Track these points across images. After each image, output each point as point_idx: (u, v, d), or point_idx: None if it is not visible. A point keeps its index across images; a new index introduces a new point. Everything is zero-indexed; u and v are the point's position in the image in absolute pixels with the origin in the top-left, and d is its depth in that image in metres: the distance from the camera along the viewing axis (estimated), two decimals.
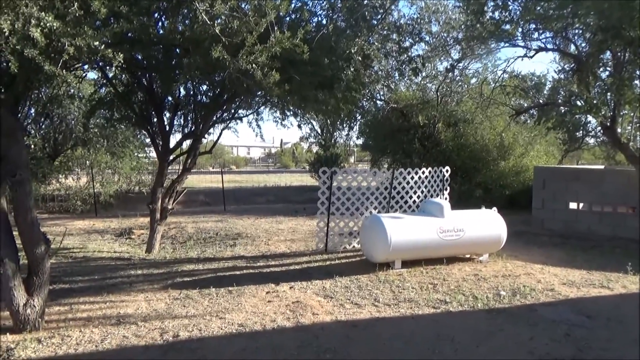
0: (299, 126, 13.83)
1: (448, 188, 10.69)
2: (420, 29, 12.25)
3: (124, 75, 9.73)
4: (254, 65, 6.25)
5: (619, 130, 11.35)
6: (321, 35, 7.63)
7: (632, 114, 11.92)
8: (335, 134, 22.69)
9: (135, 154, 17.32)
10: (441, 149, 16.45)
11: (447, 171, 10.60)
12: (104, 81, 9.90)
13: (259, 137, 11.70)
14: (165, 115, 9.97)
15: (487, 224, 8.41)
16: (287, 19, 8.53)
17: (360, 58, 7.40)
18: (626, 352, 4.62)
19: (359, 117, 17.97)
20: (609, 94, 11.09)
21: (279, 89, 6.64)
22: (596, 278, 7.36)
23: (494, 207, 8.96)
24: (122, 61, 5.25)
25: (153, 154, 16.18)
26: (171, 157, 10.22)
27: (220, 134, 11.65)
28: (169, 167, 10.71)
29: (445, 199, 10.45)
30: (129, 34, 7.14)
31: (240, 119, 11.33)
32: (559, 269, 7.92)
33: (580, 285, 6.96)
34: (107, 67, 8.49)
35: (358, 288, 6.71)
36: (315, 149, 26.77)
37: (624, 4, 8.87)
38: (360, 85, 10.19)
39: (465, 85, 16.96)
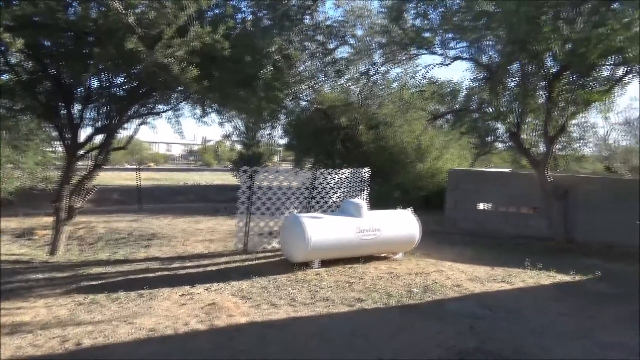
0: (221, 124, 13.51)
1: (368, 188, 10.96)
2: (345, 32, 12.46)
3: (30, 63, 8.96)
4: (171, 59, 6.01)
5: (523, 136, 12.29)
6: (244, 32, 7.53)
7: (535, 122, 12.91)
8: (258, 132, 22.47)
9: (41, 148, 16.02)
10: (362, 150, 16.85)
11: (367, 172, 10.87)
12: (5, 68, 9.05)
13: (178, 135, 11.28)
14: (74, 107, 9.33)
15: (403, 223, 8.72)
16: (210, 13, 8.33)
17: (279, 57, 7.37)
18: (524, 342, 4.97)
19: (283, 117, 17.94)
20: (515, 102, 11.98)
21: (198, 85, 6.46)
22: (499, 274, 7.89)
23: (410, 208, 9.32)
24: (24, 46, 4.83)
25: (60, 149, 15.07)
26: (81, 153, 9.57)
27: (137, 130, 11.09)
28: (79, 163, 10.01)
29: (365, 199, 10.70)
30: (35, 18, 6.61)
31: (159, 114, 10.85)
32: (467, 266, 8.41)
33: (485, 281, 7.42)
34: (8, 52, 7.79)
35: (276, 288, 6.68)
36: (238, 147, 26.31)
37: (531, 20, 9.61)
38: (284, 85, 10.17)
39: (387, 89, 17.49)
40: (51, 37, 7.27)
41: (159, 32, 6.09)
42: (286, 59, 7.96)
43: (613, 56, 10.48)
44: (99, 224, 11.98)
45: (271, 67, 7.23)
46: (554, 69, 11.38)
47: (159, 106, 10.89)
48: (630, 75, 10.94)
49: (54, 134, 13.83)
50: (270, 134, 17.15)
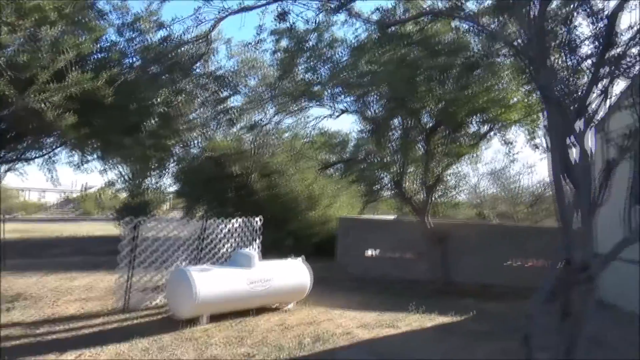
0: (103, 171, 12.58)
1: (260, 238, 10.86)
2: (237, 82, 12.59)
3: None
4: (46, 104, 5.59)
5: (405, 185, 13.19)
6: (130, 79, 7.27)
7: (415, 172, 13.95)
8: (145, 180, 21.42)
9: None
10: (255, 198, 16.79)
11: (259, 221, 10.79)
12: None
13: (52, 183, 10.36)
14: None
15: (294, 273, 8.73)
16: (95, 56, 7.96)
17: (165, 107, 7.22)
18: None
19: (173, 164, 17.36)
20: (398, 154, 12.88)
21: (76, 132, 6.05)
22: (387, 319, 8.14)
23: (301, 256, 9.37)
24: None
25: None
26: None
27: (3, 176, 10.01)
28: None
29: (257, 248, 10.57)
30: None
31: (29, 160, 9.93)
32: (357, 312, 8.58)
33: (374, 327, 7.61)
34: None
35: (159, 349, 6.22)
36: (123, 195, 24.74)
37: (408, 81, 10.55)
38: (173, 133, 9.92)
39: (279, 139, 17.84)
40: None
41: (32, 75, 5.66)
42: (175, 108, 7.80)
43: (478, 115, 11.85)
44: None
45: (157, 117, 7.03)
46: (430, 124, 12.54)
47: (30, 151, 10.00)
48: (492, 133, 12.40)
49: None
50: (157, 182, 16.36)
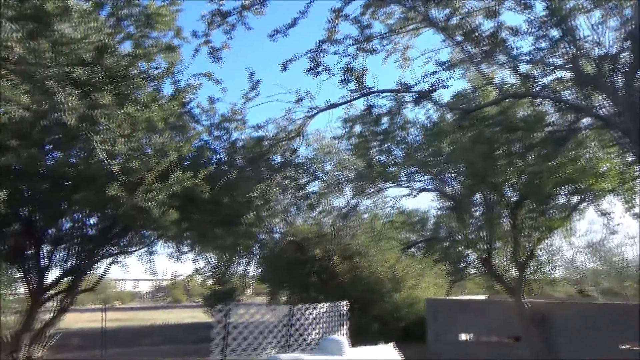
0: (195, 260, 13.32)
1: (347, 323, 10.66)
2: (314, 168, 13.13)
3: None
4: (151, 202, 6.17)
5: (494, 261, 12.52)
6: (222, 173, 7.87)
7: (504, 248, 13.27)
8: (231, 267, 22.15)
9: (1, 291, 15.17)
10: (338, 281, 16.67)
11: (345, 305, 10.66)
12: None
13: (150, 273, 11.05)
14: (43, 249, 9.15)
15: None
16: (189, 155, 8.73)
17: (261, 202, 7.69)
18: None
19: (257, 251, 17.91)
20: (482, 230, 12.40)
21: (177, 226, 6.55)
22: None
23: (391, 342, 9.01)
24: (5, 197, 4.91)
25: (22, 290, 14.31)
26: (47, 296, 9.17)
27: (107, 270, 10.84)
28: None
29: (345, 334, 10.35)
30: (15, 167, 6.79)
31: (131, 252, 10.71)
32: None
33: None
34: None
35: None
36: (209, 282, 25.62)
37: (485, 156, 10.41)
38: (259, 221, 10.37)
39: (358, 220, 17.92)
40: (29, 184, 7.39)
41: (140, 177, 6.32)
42: (262, 198, 8.27)
43: (566, 186, 11.27)
44: None
45: (252, 209, 7.48)
46: (515, 198, 12.07)
47: (132, 245, 10.84)
48: (585, 203, 11.66)
49: (17, 276, 13.32)
50: (245, 268, 16.89)
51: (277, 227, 17.58)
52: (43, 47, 3.72)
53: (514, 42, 6.17)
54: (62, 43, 4.07)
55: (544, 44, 5.78)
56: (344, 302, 10.69)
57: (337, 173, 16.44)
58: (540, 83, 6.70)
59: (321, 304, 10.17)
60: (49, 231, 9.20)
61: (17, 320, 14.32)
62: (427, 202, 36.48)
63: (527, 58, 6.04)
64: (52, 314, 9.34)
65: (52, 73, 3.89)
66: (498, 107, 8.82)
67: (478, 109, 7.78)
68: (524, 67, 6.48)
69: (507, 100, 7.93)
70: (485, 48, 6.09)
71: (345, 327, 10.57)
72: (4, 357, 8.89)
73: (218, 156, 9.96)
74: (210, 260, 24.27)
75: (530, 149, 10.46)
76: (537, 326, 11.11)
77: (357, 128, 11.70)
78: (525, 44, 6.64)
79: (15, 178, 6.89)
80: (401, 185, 14.28)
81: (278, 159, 10.59)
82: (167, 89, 7.28)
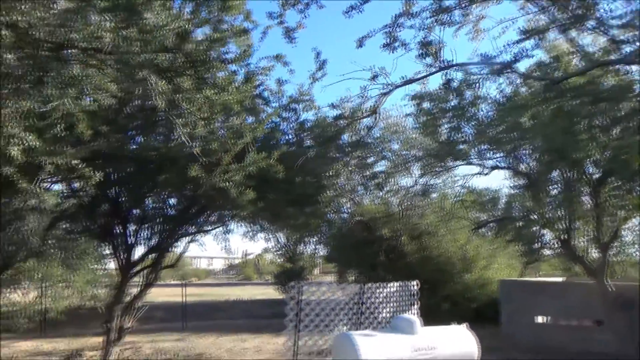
0: (267, 239, 13.78)
1: (418, 303, 10.61)
2: (382, 148, 13.00)
3: (91, 188, 9.66)
4: (229, 183, 6.41)
5: (574, 242, 11.88)
6: (293, 154, 8.02)
7: (584, 228, 12.55)
8: (300, 245, 22.64)
9: (92, 266, 16.48)
10: (406, 261, 16.58)
11: (416, 285, 10.61)
12: (69, 193, 9.75)
13: (225, 251, 11.56)
14: (129, 227, 9.80)
15: (459, 341, 8.27)
16: (260, 137, 8.96)
17: (336, 181, 7.77)
18: None
19: (325, 230, 18.15)
20: (560, 209, 11.78)
21: (253, 206, 6.78)
22: None
23: (464, 323, 8.88)
24: (101, 179, 5.30)
25: (110, 266, 15.45)
26: (134, 271, 9.86)
27: (186, 248, 11.46)
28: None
29: (416, 313, 10.32)
30: (105, 151, 7.27)
31: (208, 231, 11.24)
32: None
33: None
34: (78, 181, 8.47)
35: None
36: (279, 260, 26.33)
37: (565, 130, 9.82)
38: (328, 200, 10.48)
39: (427, 200, 17.62)
40: (117, 167, 7.92)
41: (218, 158, 6.59)
42: (333, 178, 8.35)
43: None
44: (145, 344, 11.87)
45: (325, 189, 7.58)
46: (597, 175, 11.34)
47: (208, 224, 11.37)
48: None
49: (106, 252, 14.42)
50: (315, 247, 17.18)
51: (345, 207, 17.69)
52: (133, 36, 3.94)
53: (607, 4, 5.72)
54: (146, 31, 4.28)
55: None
56: (415, 282, 10.62)
57: (405, 152, 16.21)
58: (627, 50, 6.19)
59: (391, 284, 10.18)
60: (134, 211, 9.86)
61: (107, 294, 15.60)
62: (498, 181, 34.88)
63: (620, 22, 5.59)
64: (139, 288, 10.05)
65: (143, 59, 4.12)
66: (585, 77, 8.25)
67: (566, 78, 7.32)
68: (616, 32, 5.99)
69: (595, 69, 7.38)
70: (576, 12, 5.68)
71: (416, 306, 10.53)
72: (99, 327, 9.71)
73: (287, 137, 10.16)
74: (279, 239, 24.98)
75: (617, 122, 9.74)
76: (622, 310, 10.49)
77: (426, 105, 11.42)
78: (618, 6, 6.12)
79: (104, 162, 7.40)
80: (472, 164, 13.82)
81: (347, 138, 10.63)
82: (240, 72, 7.49)
